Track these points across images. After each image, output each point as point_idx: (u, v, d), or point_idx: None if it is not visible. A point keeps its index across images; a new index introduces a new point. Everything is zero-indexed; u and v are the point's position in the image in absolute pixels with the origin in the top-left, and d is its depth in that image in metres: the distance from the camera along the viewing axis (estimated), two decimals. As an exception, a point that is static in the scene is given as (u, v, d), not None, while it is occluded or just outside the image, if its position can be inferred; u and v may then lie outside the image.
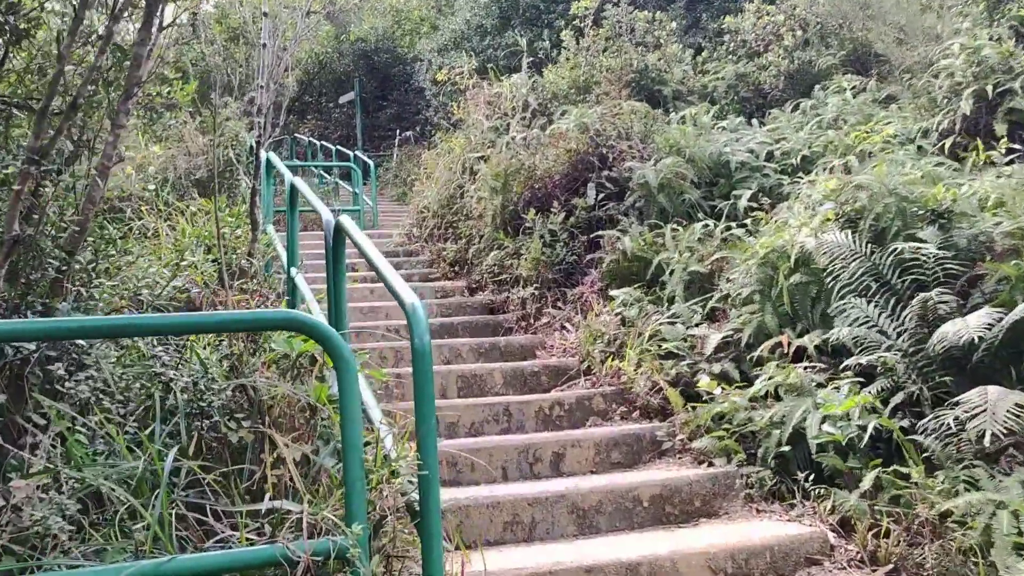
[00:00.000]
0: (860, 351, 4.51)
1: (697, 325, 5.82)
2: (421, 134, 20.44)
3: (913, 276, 4.55)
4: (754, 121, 8.68)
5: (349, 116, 26.29)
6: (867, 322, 4.53)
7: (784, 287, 5.24)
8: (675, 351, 5.59)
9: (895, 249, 4.70)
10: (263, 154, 8.92)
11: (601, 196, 7.49)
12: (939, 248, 4.50)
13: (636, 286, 6.54)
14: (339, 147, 16.73)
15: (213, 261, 6.40)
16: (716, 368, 5.38)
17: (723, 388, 4.91)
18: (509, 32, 14.67)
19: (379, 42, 24.75)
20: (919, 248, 4.55)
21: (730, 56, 10.60)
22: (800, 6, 10.19)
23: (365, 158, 14.07)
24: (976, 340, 3.85)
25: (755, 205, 7.21)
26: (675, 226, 6.81)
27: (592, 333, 6.10)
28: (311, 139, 19.88)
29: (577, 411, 5.36)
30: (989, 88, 6.52)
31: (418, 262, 9.11)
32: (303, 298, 5.17)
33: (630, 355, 5.68)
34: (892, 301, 4.60)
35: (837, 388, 4.52)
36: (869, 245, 4.83)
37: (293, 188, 5.88)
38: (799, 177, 7.41)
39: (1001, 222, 4.51)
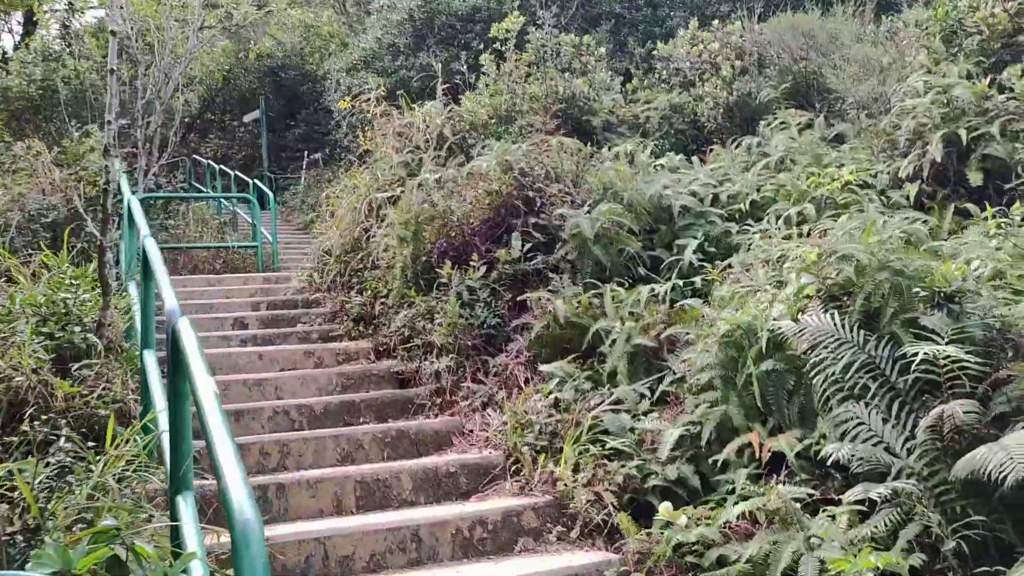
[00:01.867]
0: (863, 472, 3.59)
1: (646, 414, 4.85)
2: (331, 156, 19.15)
3: (920, 374, 3.66)
4: (695, 159, 7.84)
5: (255, 136, 24.74)
6: (870, 436, 3.62)
7: (754, 375, 4.32)
8: (621, 448, 4.60)
9: (893, 340, 3.82)
10: (126, 192, 7.63)
11: (528, 247, 6.48)
12: (952, 340, 3.63)
13: (571, 358, 5.55)
14: (238, 173, 15.30)
15: (48, 337, 5.12)
16: (672, 471, 4.41)
17: (686, 514, 3.93)
18: (423, 53, 13.62)
19: (286, 58, 23.38)
20: (927, 341, 3.67)
21: (663, 85, 9.80)
22: (737, 34, 9.47)
23: (263, 187, 12.74)
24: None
25: (702, 257, 6.35)
26: (615, 287, 5.85)
27: (519, 420, 5.05)
28: (209, 162, 18.32)
29: (503, 531, 4.29)
30: (962, 132, 5.80)
31: (318, 315, 7.92)
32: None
33: (567, 453, 4.66)
34: (895, 405, 3.71)
35: (832, 517, 3.59)
36: (861, 331, 3.94)
37: (145, 252, 4.67)
38: (748, 224, 6.58)
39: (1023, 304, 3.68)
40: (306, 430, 5.60)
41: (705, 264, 6.09)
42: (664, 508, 3.75)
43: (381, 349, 6.92)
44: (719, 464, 4.31)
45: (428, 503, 4.71)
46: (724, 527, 3.81)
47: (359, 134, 8.86)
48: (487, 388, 5.80)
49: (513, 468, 4.88)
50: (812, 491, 3.79)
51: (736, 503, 3.89)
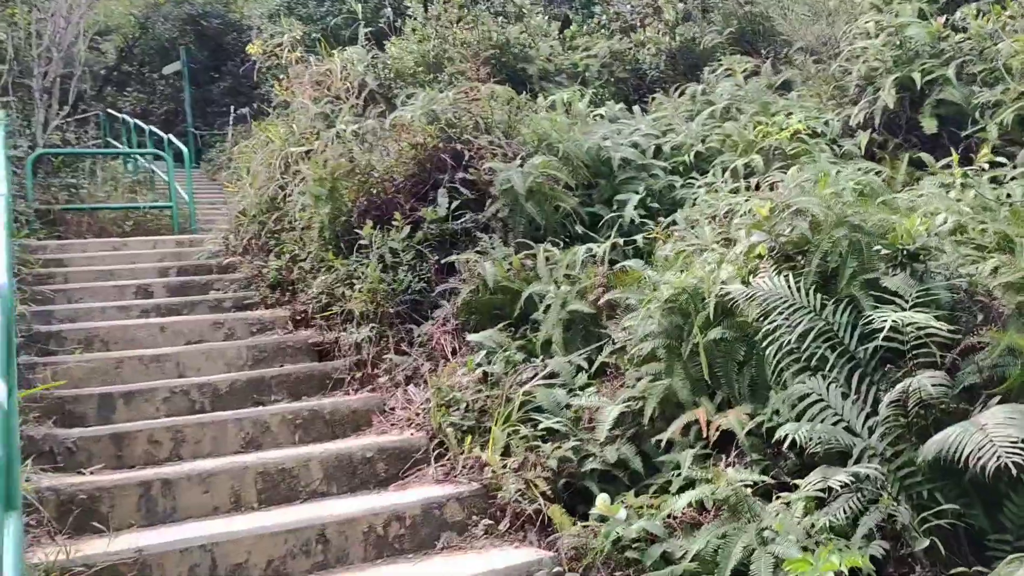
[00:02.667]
0: (821, 453, 3.20)
1: (583, 388, 4.40)
2: (260, 111, 18.15)
3: (882, 342, 3.26)
4: (636, 108, 7.35)
5: (177, 89, 23.45)
6: (828, 412, 3.22)
7: (700, 344, 3.89)
8: (556, 427, 4.15)
9: (852, 304, 3.41)
10: None
11: (456, 205, 5.94)
12: (916, 304, 3.24)
13: (502, 326, 5.06)
14: (154, 129, 14.31)
15: None
16: (611, 453, 3.99)
17: (625, 504, 3.50)
18: (349, -2, 12.78)
19: (207, 5, 22.04)
20: (889, 305, 3.27)
21: (602, 31, 9.25)
22: (679, -25, 8.94)
23: (178, 143, 11.83)
24: (1004, 466, 2.58)
25: (644, 213, 5.90)
26: (549, 246, 5.36)
27: (444, 397, 4.57)
28: (126, 117, 17.19)
29: (424, 526, 3.83)
30: (916, 76, 5.41)
31: (233, 282, 7.28)
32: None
33: (496, 435, 4.20)
34: (855, 378, 3.32)
35: (787, 504, 3.20)
36: (818, 295, 3.52)
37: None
38: (693, 178, 6.15)
39: (998, 267, 3.29)
40: (208, 412, 5.03)
41: (647, 221, 5.64)
42: (601, 501, 3.32)
43: (299, 318, 6.34)
44: (663, 444, 3.90)
45: (341, 493, 4.21)
46: (668, 518, 3.39)
47: (274, 84, 8.13)
48: (411, 360, 5.29)
49: (437, 451, 4.41)
50: (764, 476, 3.39)
51: (681, 491, 3.48)
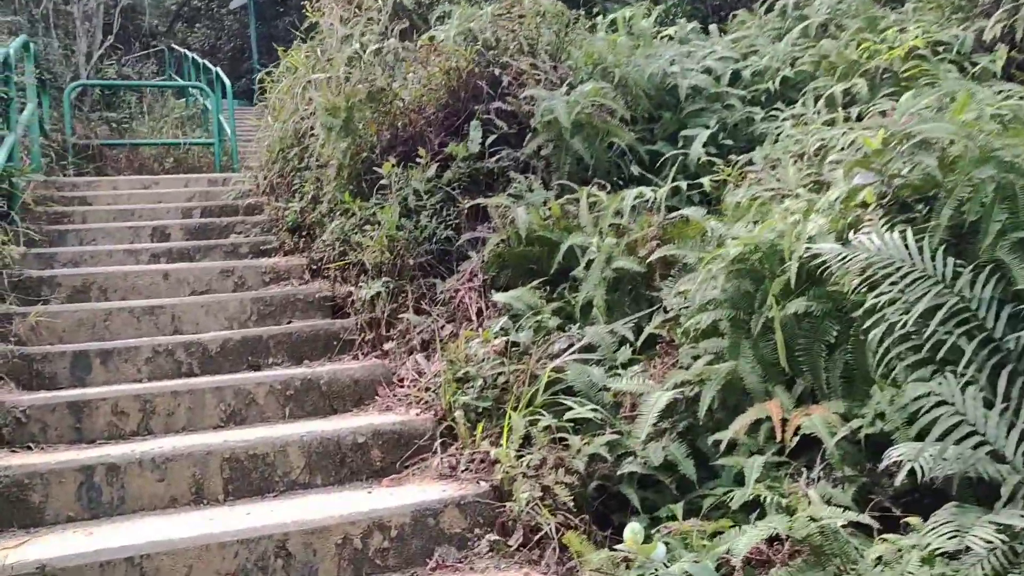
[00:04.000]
0: (950, 481, 2.27)
1: (626, 366, 3.53)
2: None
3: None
4: (713, 28, 6.27)
5: (244, 25, 22.97)
6: (964, 427, 2.27)
7: (776, 318, 2.96)
8: (588, 416, 3.30)
9: (1000, 273, 2.43)
10: None
11: (491, 140, 5.05)
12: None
13: (536, 284, 4.21)
14: (207, 64, 13.71)
15: None
16: (655, 453, 3.12)
17: (667, 521, 2.65)
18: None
19: (276, -64, 21.28)
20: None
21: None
22: None
23: (223, 76, 11.16)
24: None
25: (716, 152, 4.92)
26: (595, 190, 4.45)
27: (458, 370, 3.76)
28: (186, 51, 16.69)
29: (415, 538, 3.05)
30: (1076, -25, 4.22)
31: (255, 225, 6.60)
32: None
33: (513, 421, 3.37)
34: (1003, 377, 2.35)
35: (899, 551, 2.30)
36: (948, 259, 2.54)
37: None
38: (777, 109, 5.11)
39: None
40: (197, 376, 4.37)
41: (718, 161, 4.66)
42: (631, 534, 2.46)
43: (316, 267, 5.61)
44: (723, 445, 3.01)
45: (327, 485, 3.47)
46: (727, 555, 2.53)
47: (305, 6, 7.30)
48: (430, 321, 4.50)
49: (445, 438, 3.62)
50: (862, 515, 2.47)
51: (744, 511, 2.61)
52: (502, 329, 3.83)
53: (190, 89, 13.44)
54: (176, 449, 3.32)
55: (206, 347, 4.44)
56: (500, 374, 3.70)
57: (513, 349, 3.81)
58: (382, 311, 4.69)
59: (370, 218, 5.12)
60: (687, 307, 3.41)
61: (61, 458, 3.24)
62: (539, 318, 3.94)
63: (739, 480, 3.02)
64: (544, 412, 3.37)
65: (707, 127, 5.07)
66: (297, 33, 7.52)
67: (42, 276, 5.16)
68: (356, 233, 5.14)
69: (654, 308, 3.74)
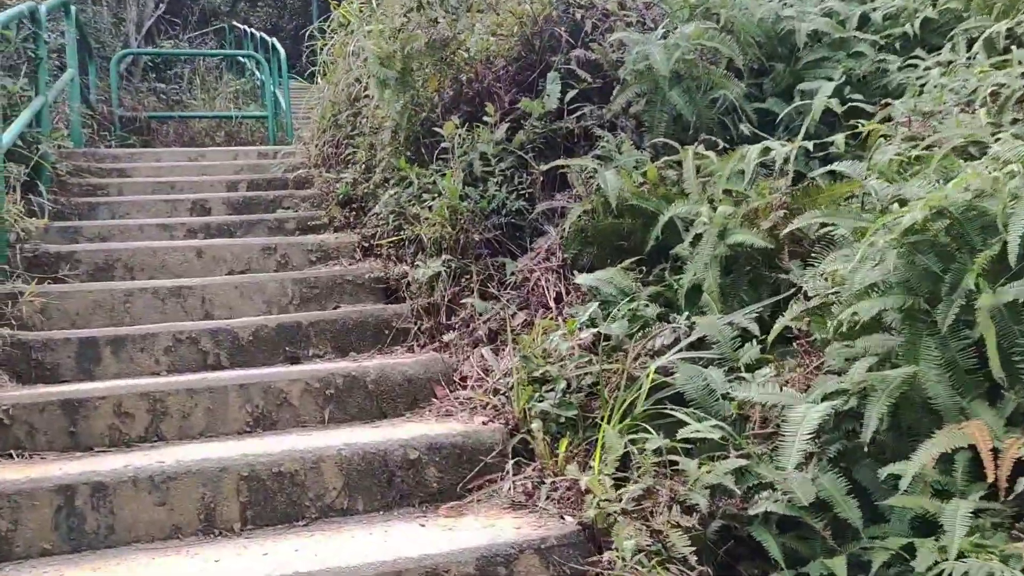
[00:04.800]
0: None
1: (752, 368, 2.73)
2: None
3: None
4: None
5: (306, 2, 22.58)
6: None
7: (984, 308, 2.13)
8: (706, 434, 2.52)
9: None
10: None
11: (571, 95, 4.28)
12: None
13: (628, 264, 3.44)
14: (263, 35, 13.20)
15: None
16: (802, 487, 2.32)
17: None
18: None
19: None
20: None
21: None
22: None
23: (278, 46, 10.56)
24: None
25: (840, 108, 4.06)
26: (702, 149, 3.64)
27: (534, 369, 3.01)
28: (246, 27, 16.25)
29: (481, 592, 2.32)
30: None
31: (305, 199, 5.95)
32: None
33: (608, 438, 2.61)
34: None
35: None
36: None
37: None
38: (917, 56, 4.22)
39: None
40: (225, 369, 3.72)
41: (843, 120, 3.81)
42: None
43: (368, 245, 4.92)
44: (900, 480, 2.20)
45: (369, 512, 2.76)
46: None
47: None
48: (499, 307, 3.76)
49: (518, 457, 2.88)
50: None
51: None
52: (589, 319, 3.06)
53: (247, 63, 12.95)
54: (182, 464, 2.65)
55: (236, 335, 3.79)
56: (587, 374, 2.94)
57: (603, 344, 3.04)
58: (442, 295, 3.97)
59: (429, 187, 4.40)
60: (836, 292, 2.59)
61: (36, 473, 2.60)
62: (634, 305, 3.17)
63: (918, 527, 2.22)
64: (647, 427, 2.60)
65: (830, 79, 4.20)
66: None
67: (60, 252, 4.59)
68: (413, 205, 4.43)
69: (785, 295, 2.93)
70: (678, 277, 3.29)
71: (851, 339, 2.49)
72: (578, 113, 4.27)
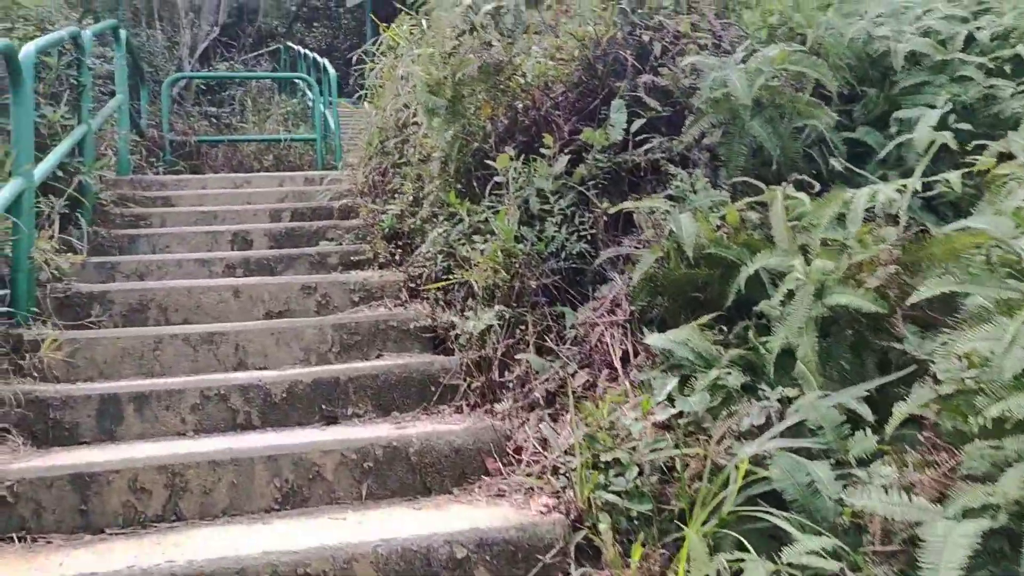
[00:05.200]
0: None
1: (864, 462, 2.28)
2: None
3: None
4: (926, -19, 4.87)
5: (361, 23, 22.62)
6: None
7: None
8: (814, 558, 2.07)
9: None
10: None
11: (639, 125, 3.87)
12: None
13: (703, 320, 3.01)
14: (316, 56, 13.06)
15: None
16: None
17: None
18: None
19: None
20: None
21: None
22: None
23: (330, 67, 10.34)
24: None
25: (952, 142, 3.57)
26: (791, 190, 3.20)
27: (600, 448, 2.60)
28: (300, 48, 16.20)
29: None
30: None
31: (349, 230, 5.64)
32: None
33: (692, 547, 2.18)
34: None
35: None
36: None
37: None
38: (1032, 82, 3.72)
39: None
40: (257, 429, 3.39)
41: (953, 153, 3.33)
42: None
43: (414, 285, 4.57)
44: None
45: (406, 627, 2.38)
46: None
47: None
48: (558, 366, 3.36)
49: (584, 559, 2.46)
50: None
51: None
52: (667, 398, 2.64)
53: (299, 84, 12.82)
54: (194, 567, 2.29)
55: (269, 391, 3.45)
56: (661, 459, 2.51)
57: (680, 420, 2.62)
58: (494, 348, 3.59)
59: (481, 226, 4.04)
60: (975, 378, 2.13)
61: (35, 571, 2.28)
62: (714, 375, 2.74)
63: None
64: (738, 535, 2.17)
65: (933, 106, 3.73)
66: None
67: (93, 292, 4.33)
68: (463, 244, 4.06)
69: (905, 372, 2.47)
70: (765, 339, 2.84)
71: (999, 438, 2.03)
72: (646, 144, 3.86)
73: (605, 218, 3.80)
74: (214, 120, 9.42)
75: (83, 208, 5.37)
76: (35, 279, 4.14)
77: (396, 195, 5.44)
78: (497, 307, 3.56)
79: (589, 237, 3.79)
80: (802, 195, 3.10)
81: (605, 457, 2.55)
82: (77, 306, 4.28)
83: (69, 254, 4.70)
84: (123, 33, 7.41)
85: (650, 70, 3.99)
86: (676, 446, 2.57)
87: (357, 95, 8.98)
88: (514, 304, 3.70)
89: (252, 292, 4.51)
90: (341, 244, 5.52)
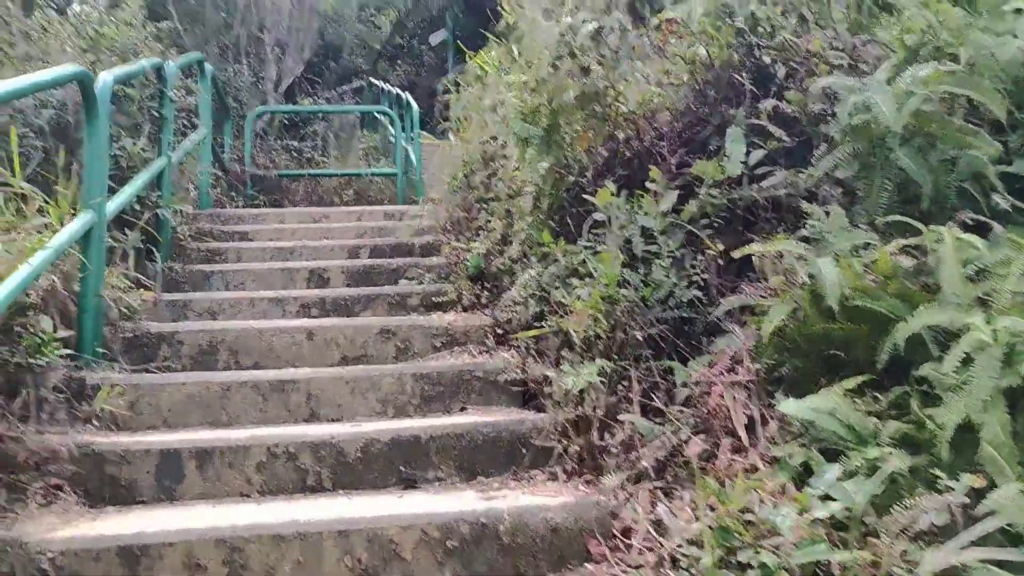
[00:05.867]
0: None
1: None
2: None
3: None
4: (1082, -4, 4.30)
5: (443, 59, 22.73)
6: None
7: None
8: None
9: None
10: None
11: (757, 157, 3.42)
12: None
13: (849, 385, 2.52)
14: (398, 90, 12.99)
15: None
16: None
17: None
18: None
19: (476, -34, 20.80)
20: None
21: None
22: None
23: (412, 101, 10.15)
24: None
25: None
26: (958, 231, 2.70)
27: (734, 548, 2.14)
28: (383, 84, 16.24)
29: None
30: None
31: (431, 268, 5.31)
32: None
33: None
34: None
35: None
36: None
37: None
38: None
39: None
40: (328, 492, 3.03)
41: None
42: None
43: (502, 331, 4.19)
44: None
45: None
46: None
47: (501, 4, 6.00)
48: (670, 432, 2.90)
49: None
50: None
51: None
52: (824, 494, 2.16)
53: (381, 119, 12.74)
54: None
55: (342, 450, 3.09)
56: (817, 564, 2.03)
57: (834, 520, 2.13)
58: (593, 406, 3.15)
59: (578, 268, 3.63)
60: None
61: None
62: (874, 454, 2.25)
63: None
64: None
65: (1113, 135, 3.18)
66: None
67: (163, 332, 4.08)
68: (557, 287, 3.66)
69: None
70: (932, 411, 2.34)
71: None
72: (768, 177, 3.40)
73: (719, 261, 3.35)
74: (296, 154, 9.31)
75: (159, 243, 5.18)
76: (103, 318, 3.91)
77: (481, 231, 5.09)
78: (599, 363, 3.12)
79: (701, 283, 3.34)
80: (973, 238, 2.60)
81: (744, 557, 2.08)
82: (145, 346, 4.03)
83: (141, 291, 4.49)
84: (208, 67, 7.34)
85: (773, 94, 3.55)
86: (826, 540, 2.09)
87: (441, 129, 8.77)
88: (615, 356, 3.26)
89: (327, 335, 4.19)
90: (422, 283, 5.19)
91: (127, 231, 4.76)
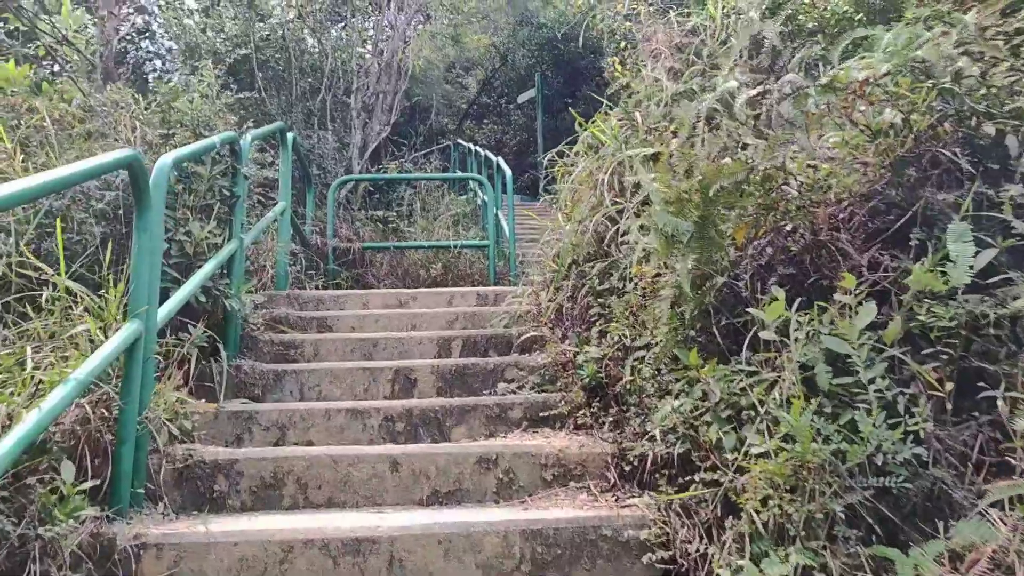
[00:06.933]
0: None
1: None
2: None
3: None
4: None
5: (531, 118, 22.35)
6: None
7: None
8: None
9: None
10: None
11: (987, 259, 2.53)
12: None
13: None
14: (488, 153, 12.43)
15: None
16: None
17: None
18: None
19: (563, 27, 20.45)
20: None
21: None
22: None
23: (504, 166, 9.48)
24: None
25: None
26: None
27: None
28: (471, 145, 15.80)
29: None
30: None
31: (533, 370, 4.52)
32: None
33: None
34: None
35: None
36: None
37: None
38: None
39: None
40: None
41: None
42: None
43: (631, 466, 3.33)
44: None
45: None
46: None
47: (613, 65, 5.28)
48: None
49: None
50: None
51: None
52: None
53: (468, 183, 12.18)
54: None
55: (430, 663, 2.28)
56: None
57: None
58: (779, 614, 2.26)
59: (735, 399, 2.77)
60: None
61: None
62: None
63: None
64: None
65: None
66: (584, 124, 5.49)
67: (218, 462, 3.38)
68: (709, 424, 2.80)
69: None
70: None
71: None
72: (1006, 286, 2.50)
73: (944, 402, 2.45)
74: (380, 224, 8.74)
75: (227, 339, 4.56)
76: (149, 443, 3.24)
77: (591, 325, 4.28)
78: (793, 557, 2.24)
79: (918, 433, 2.44)
80: None
81: None
82: (198, 479, 3.34)
83: (200, 402, 3.83)
84: (291, 136, 6.85)
85: (1003, 172, 2.66)
86: None
87: (530, 187, 8.06)
88: (806, 533, 2.37)
89: (414, 465, 3.43)
90: (523, 389, 4.41)
91: (191, 326, 4.15)
